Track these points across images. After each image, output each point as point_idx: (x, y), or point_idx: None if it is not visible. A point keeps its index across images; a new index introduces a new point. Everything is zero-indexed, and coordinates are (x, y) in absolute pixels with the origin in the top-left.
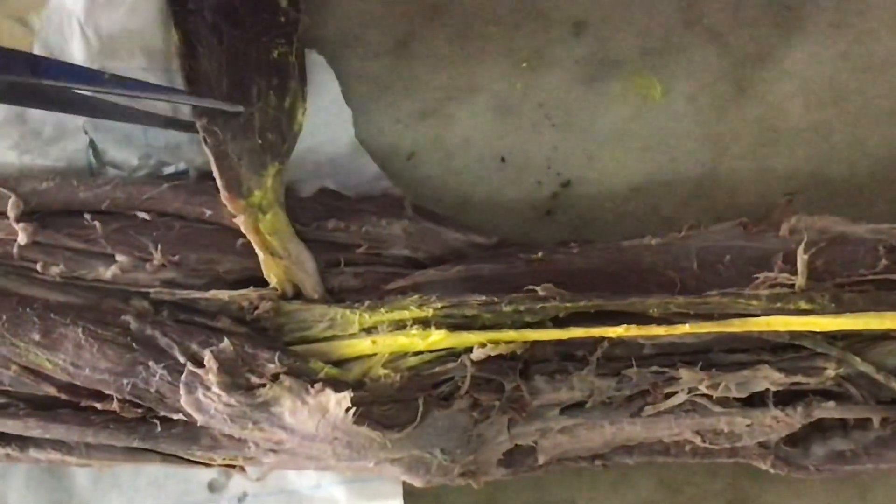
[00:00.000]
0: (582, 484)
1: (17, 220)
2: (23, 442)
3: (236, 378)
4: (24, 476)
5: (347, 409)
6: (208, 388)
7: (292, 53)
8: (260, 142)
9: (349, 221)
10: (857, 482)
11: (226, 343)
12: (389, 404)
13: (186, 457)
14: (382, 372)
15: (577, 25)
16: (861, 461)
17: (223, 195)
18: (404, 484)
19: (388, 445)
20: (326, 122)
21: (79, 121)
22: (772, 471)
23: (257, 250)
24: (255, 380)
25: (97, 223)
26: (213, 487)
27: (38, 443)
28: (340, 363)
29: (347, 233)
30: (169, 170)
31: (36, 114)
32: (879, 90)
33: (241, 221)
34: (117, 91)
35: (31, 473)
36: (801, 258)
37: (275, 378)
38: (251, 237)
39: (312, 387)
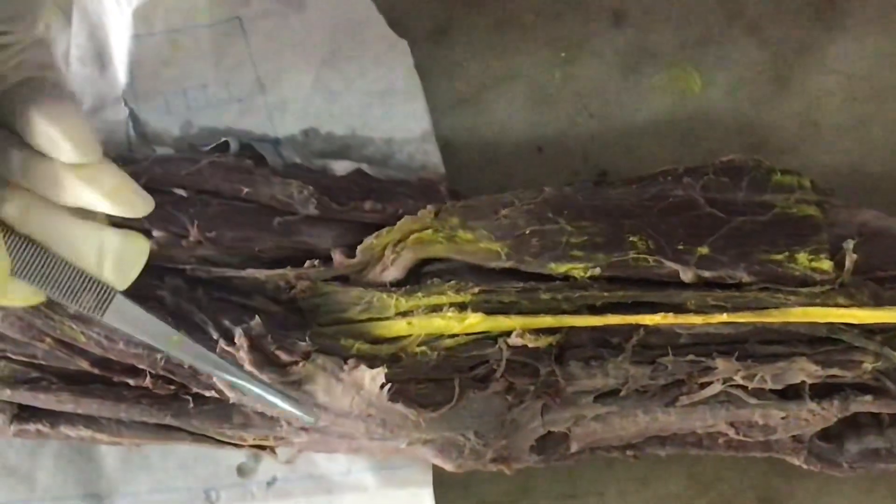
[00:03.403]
0: (612, 477)
1: None
2: (54, 417)
3: (268, 355)
4: (53, 455)
5: (382, 386)
6: (241, 367)
7: None
8: None
9: (386, 203)
10: (891, 482)
11: (256, 320)
12: (425, 383)
13: (217, 436)
14: (419, 349)
15: (617, 16)
16: (895, 459)
17: None
18: (434, 472)
19: (422, 425)
20: (402, 110)
21: (119, 91)
22: (805, 466)
23: None
24: (285, 357)
25: None
26: (242, 471)
27: (70, 419)
28: (375, 343)
29: (384, 214)
30: (208, 146)
31: (78, 84)
32: None
33: None
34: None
35: (60, 452)
36: (850, 256)
37: (306, 356)
38: None
39: (346, 363)
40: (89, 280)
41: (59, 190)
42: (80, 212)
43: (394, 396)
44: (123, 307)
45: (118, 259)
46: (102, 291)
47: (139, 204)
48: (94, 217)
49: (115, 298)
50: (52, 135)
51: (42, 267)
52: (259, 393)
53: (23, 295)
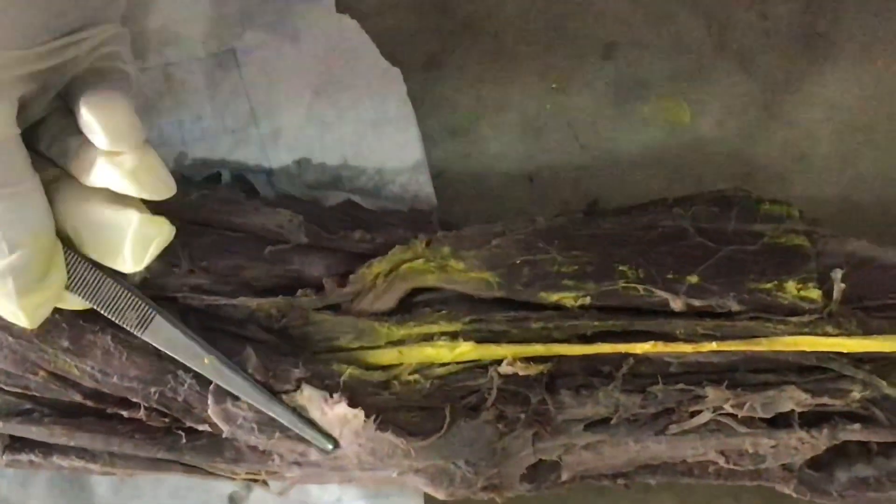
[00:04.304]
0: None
1: None
2: (46, 448)
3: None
4: (45, 484)
5: (366, 420)
6: (236, 399)
7: None
8: None
9: (375, 233)
10: None
11: (248, 350)
12: (415, 412)
13: (209, 469)
14: (411, 377)
15: (608, 47)
16: (884, 488)
17: None
18: (426, 499)
19: (412, 453)
20: (394, 140)
21: None
22: (795, 495)
23: None
24: (278, 386)
25: None
26: (233, 500)
27: (62, 449)
28: (367, 369)
29: (373, 244)
30: (200, 177)
31: None
32: None
33: None
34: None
35: (52, 481)
36: (838, 286)
37: (298, 385)
38: None
39: (332, 396)
40: (133, 299)
41: (91, 172)
42: (115, 197)
43: (382, 426)
44: (161, 327)
45: (138, 237)
46: (144, 311)
47: (160, 186)
48: (128, 202)
49: (154, 319)
50: (89, 121)
51: (93, 284)
52: (283, 417)
53: (73, 304)
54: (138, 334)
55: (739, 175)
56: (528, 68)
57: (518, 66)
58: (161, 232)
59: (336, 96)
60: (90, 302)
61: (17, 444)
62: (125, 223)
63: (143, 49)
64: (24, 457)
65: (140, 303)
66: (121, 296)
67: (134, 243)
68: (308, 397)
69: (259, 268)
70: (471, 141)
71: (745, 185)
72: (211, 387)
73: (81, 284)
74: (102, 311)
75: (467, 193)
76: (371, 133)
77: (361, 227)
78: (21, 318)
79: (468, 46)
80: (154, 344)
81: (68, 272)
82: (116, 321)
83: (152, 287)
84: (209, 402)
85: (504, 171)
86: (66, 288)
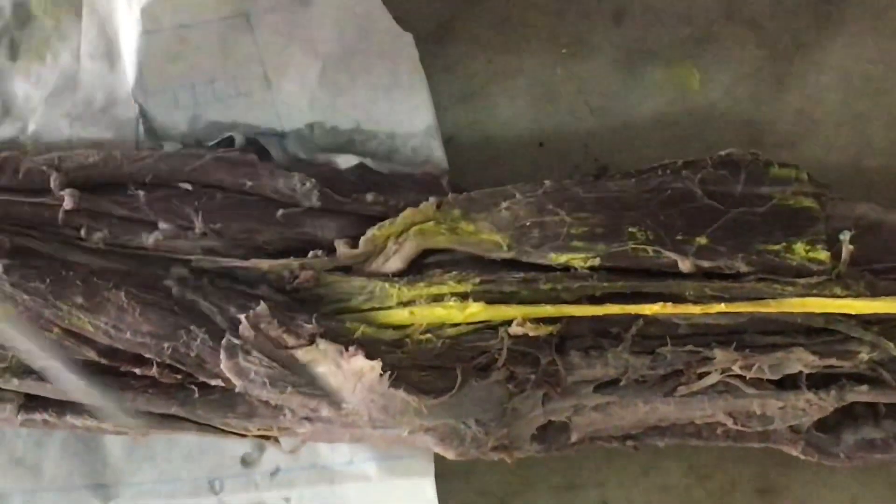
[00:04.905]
0: (612, 468)
1: (62, 188)
2: (60, 407)
3: (274, 339)
4: (59, 446)
5: (380, 374)
6: (248, 353)
7: None
8: None
9: (388, 196)
10: (887, 473)
11: (262, 305)
12: (427, 370)
13: (222, 426)
14: (423, 337)
15: (618, 13)
16: (891, 450)
17: None
18: (435, 463)
19: (424, 412)
20: (406, 104)
21: (129, 87)
22: (802, 457)
23: None
24: (292, 340)
25: (141, 192)
26: (245, 462)
27: (76, 408)
28: (379, 328)
29: (386, 206)
30: (213, 142)
31: (88, 81)
32: None
33: None
34: None
35: (66, 443)
36: (846, 247)
37: (312, 340)
38: None
39: (347, 350)
40: None
41: None
42: None
43: (395, 383)
44: None
45: None
46: None
47: None
48: None
49: None
50: None
51: None
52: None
53: None
54: None
55: (748, 141)
56: (538, 34)
57: (529, 32)
58: None
59: (348, 61)
60: None
61: (32, 404)
62: None
63: (158, 13)
64: (38, 416)
65: None
66: None
67: None
68: (324, 351)
69: (271, 231)
70: (481, 107)
71: (755, 149)
72: (223, 341)
73: None
74: None
75: (478, 159)
76: (383, 98)
77: (373, 190)
78: None
79: (479, 13)
80: None
81: None
82: None
83: (166, 249)
84: (221, 356)
85: (514, 136)
86: None
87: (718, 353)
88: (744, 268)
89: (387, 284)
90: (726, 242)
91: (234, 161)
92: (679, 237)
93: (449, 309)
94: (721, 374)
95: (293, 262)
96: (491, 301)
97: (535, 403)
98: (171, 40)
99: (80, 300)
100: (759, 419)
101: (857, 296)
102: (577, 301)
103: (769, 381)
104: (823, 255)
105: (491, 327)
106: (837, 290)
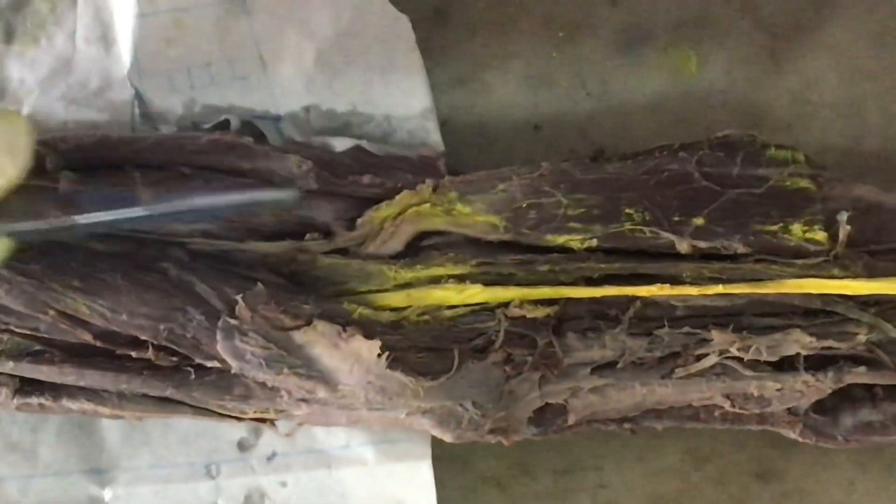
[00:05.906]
0: (609, 451)
1: (57, 171)
2: (56, 391)
3: (271, 320)
4: (55, 430)
5: (379, 354)
6: (245, 334)
7: None
8: None
9: (384, 178)
10: (885, 456)
11: (259, 286)
12: (424, 352)
13: (218, 409)
14: (421, 318)
15: None
16: (889, 432)
17: None
18: (432, 447)
19: (421, 393)
20: (402, 87)
21: (124, 71)
22: (800, 439)
23: None
24: (289, 321)
25: (137, 173)
26: (242, 446)
27: (72, 392)
28: (377, 309)
29: (383, 189)
30: (209, 125)
31: (84, 64)
32: None
33: None
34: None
35: (62, 428)
36: (844, 228)
37: (309, 321)
38: None
39: (345, 331)
40: None
41: None
42: None
43: (392, 364)
44: None
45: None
46: None
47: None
48: None
49: None
50: None
51: None
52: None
53: None
54: None
55: (746, 123)
56: (534, 17)
57: (524, 15)
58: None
59: (344, 44)
60: None
61: (28, 387)
62: None
63: None
64: (34, 399)
65: None
66: None
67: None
68: (321, 332)
69: (268, 213)
70: (477, 90)
71: (752, 132)
72: (220, 322)
73: None
74: None
75: (474, 142)
76: (379, 80)
77: (370, 172)
78: None
79: None
80: None
81: None
82: None
83: (162, 232)
84: (218, 337)
85: (511, 119)
86: None
87: (716, 335)
88: (741, 249)
89: (384, 267)
90: (723, 223)
91: (230, 144)
92: (676, 218)
93: (446, 291)
94: (719, 356)
95: (290, 245)
96: (488, 283)
97: (532, 386)
98: (166, 23)
99: (75, 282)
100: (757, 401)
101: (855, 277)
102: (575, 283)
103: (767, 362)
104: (821, 235)
105: (488, 309)
106: (835, 272)
